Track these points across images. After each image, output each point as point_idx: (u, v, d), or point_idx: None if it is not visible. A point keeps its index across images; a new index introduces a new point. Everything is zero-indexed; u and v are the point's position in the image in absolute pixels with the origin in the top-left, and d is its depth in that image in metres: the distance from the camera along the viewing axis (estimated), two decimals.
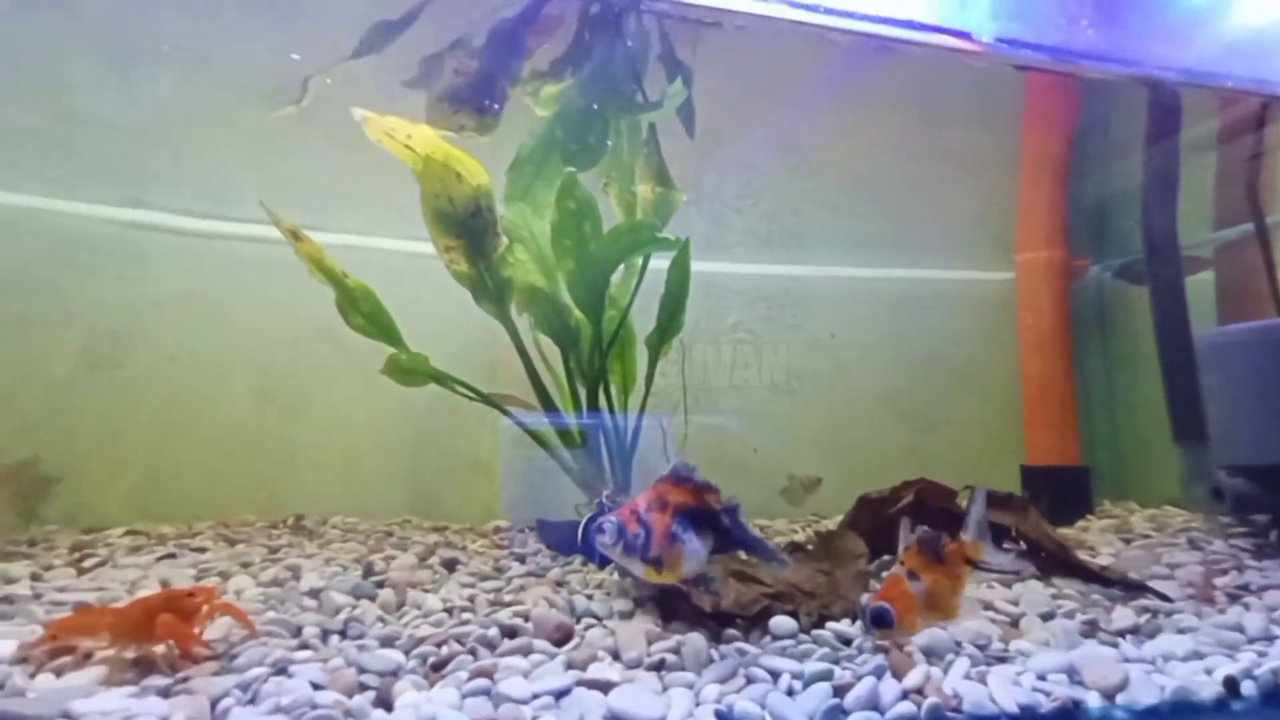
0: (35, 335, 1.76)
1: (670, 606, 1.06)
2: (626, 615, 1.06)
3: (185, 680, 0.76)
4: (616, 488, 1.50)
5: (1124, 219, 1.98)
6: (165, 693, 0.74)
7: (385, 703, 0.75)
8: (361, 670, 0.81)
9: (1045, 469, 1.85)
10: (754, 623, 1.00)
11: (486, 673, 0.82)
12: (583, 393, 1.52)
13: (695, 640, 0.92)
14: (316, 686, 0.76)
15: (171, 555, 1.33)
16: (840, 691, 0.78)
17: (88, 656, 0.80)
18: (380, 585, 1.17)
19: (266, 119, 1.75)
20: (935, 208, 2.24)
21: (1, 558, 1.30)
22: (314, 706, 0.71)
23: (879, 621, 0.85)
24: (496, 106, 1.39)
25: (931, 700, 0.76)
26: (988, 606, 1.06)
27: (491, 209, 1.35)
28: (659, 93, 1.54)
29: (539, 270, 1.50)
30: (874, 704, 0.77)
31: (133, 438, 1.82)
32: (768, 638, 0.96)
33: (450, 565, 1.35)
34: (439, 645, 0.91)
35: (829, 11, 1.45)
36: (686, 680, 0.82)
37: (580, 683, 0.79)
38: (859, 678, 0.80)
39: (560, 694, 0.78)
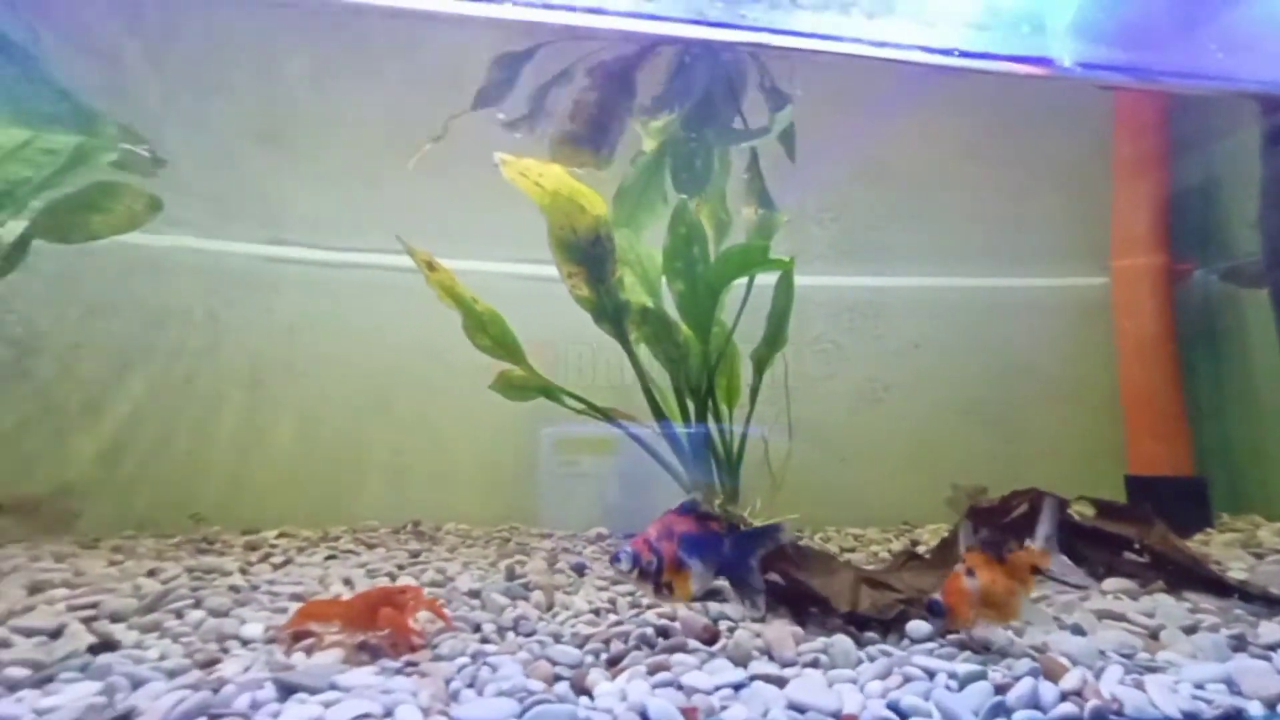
0: (197, 361, 1.98)
1: (802, 611, 1.13)
2: (759, 619, 1.13)
3: (413, 664, 0.87)
4: (726, 497, 1.58)
5: (1230, 220, 1.94)
6: (397, 674, 0.85)
7: (585, 691, 0.85)
8: (553, 663, 0.91)
9: (1153, 479, 1.82)
10: (890, 627, 1.06)
11: (663, 667, 0.90)
12: (691, 406, 1.61)
13: (842, 641, 0.98)
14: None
15: (333, 556, 1.48)
16: (1000, 690, 0.83)
17: (321, 640, 0.93)
18: (526, 587, 1.28)
19: (382, 161, 1.94)
20: (1020, 215, 2.24)
21: (195, 553, 1.49)
22: (530, 692, 0.81)
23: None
24: (612, 143, 1.50)
25: (1095, 702, 0.80)
26: (1120, 618, 1.08)
27: (610, 237, 1.46)
28: (756, 119, 1.63)
29: (644, 291, 1.60)
30: (1035, 703, 0.81)
31: (273, 448, 2.02)
32: (905, 640, 1.02)
33: (579, 570, 1.45)
34: (605, 642, 1.00)
35: (903, 47, 1.50)
36: (848, 676, 0.89)
37: (754, 677, 0.87)
38: (1016, 678, 0.85)
39: (738, 686, 0.85)
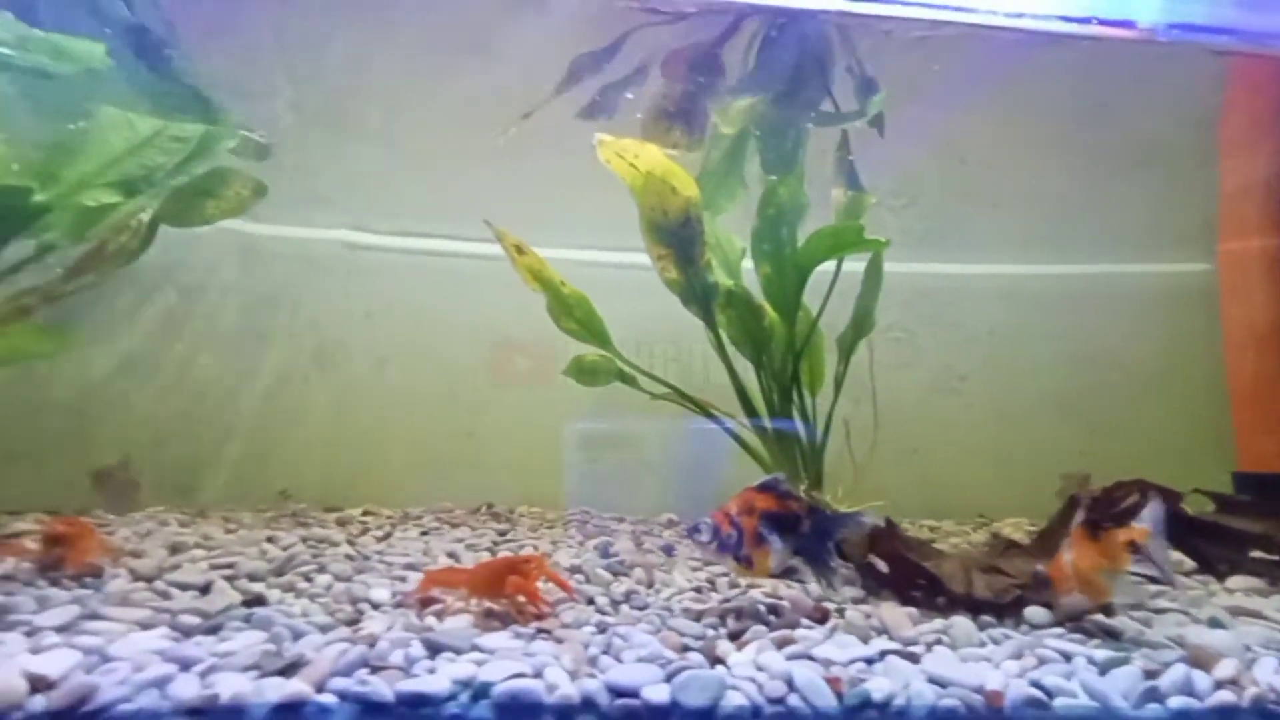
0: (279, 344, 2.06)
1: (904, 593, 1.13)
2: (860, 600, 1.13)
3: (544, 631, 0.90)
4: (809, 483, 1.57)
5: None
6: (530, 639, 0.87)
7: (718, 660, 0.85)
8: (679, 634, 0.92)
9: (1267, 477, 1.72)
10: (1005, 611, 1.04)
11: (789, 640, 0.90)
12: (774, 392, 1.60)
13: (963, 623, 0.97)
14: None
15: (427, 533, 1.53)
16: (1149, 676, 0.81)
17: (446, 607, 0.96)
18: (622, 565, 1.30)
19: (457, 151, 1.97)
20: (1108, 197, 2.16)
21: (296, 525, 1.55)
22: (668, 659, 0.83)
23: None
24: (703, 124, 1.50)
25: (1255, 690, 0.78)
26: (1256, 615, 1.05)
27: (700, 219, 1.45)
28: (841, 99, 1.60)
29: (725, 274, 1.59)
30: (1189, 690, 0.79)
31: (350, 430, 2.09)
32: (1024, 625, 1.00)
33: (668, 550, 1.46)
34: (721, 617, 1.01)
35: (980, 12, 1.45)
36: (979, 655, 0.88)
37: (885, 652, 0.87)
38: (1165, 665, 0.83)
39: (870, 660, 0.85)
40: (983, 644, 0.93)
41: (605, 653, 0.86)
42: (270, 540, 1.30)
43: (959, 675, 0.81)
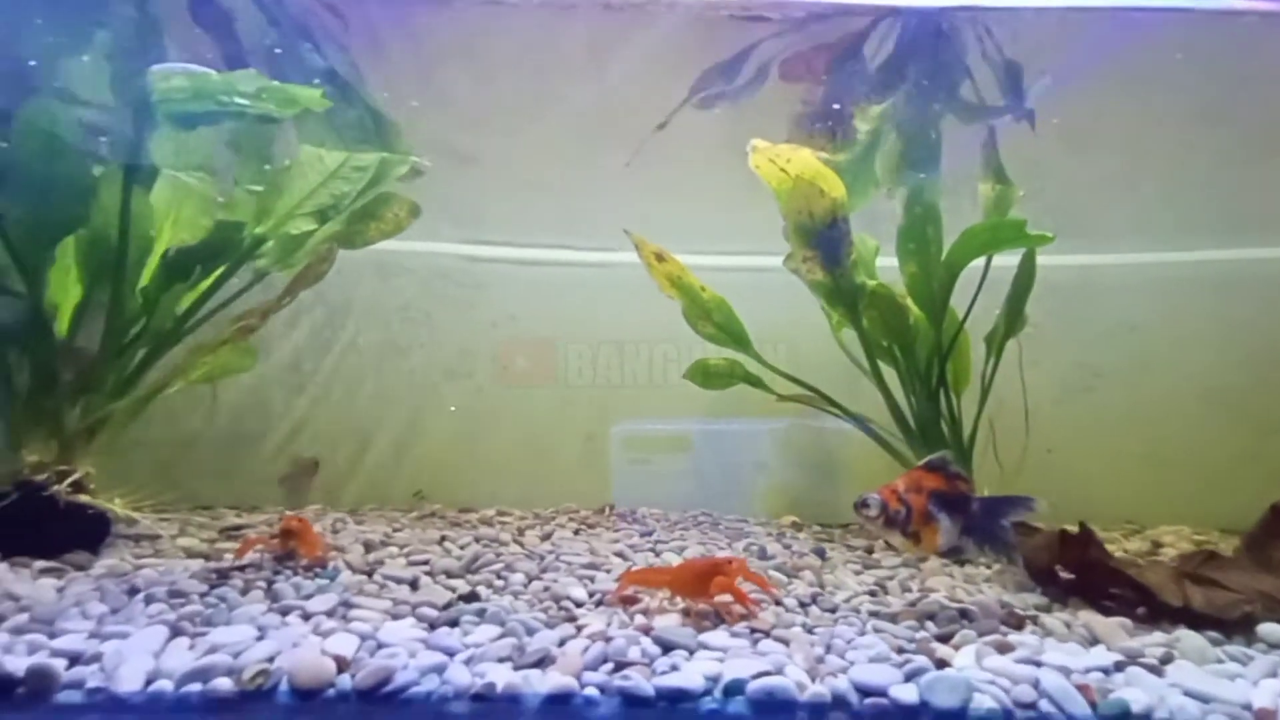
0: (413, 354, 2.19)
1: (1095, 601, 1.08)
2: (1044, 607, 1.09)
3: (757, 631, 0.91)
4: None
5: None
6: (753, 639, 0.89)
7: (943, 662, 0.85)
8: (891, 635, 0.92)
9: None
10: (1233, 628, 0.98)
11: (1006, 645, 0.88)
12: (916, 392, 1.57)
13: (1192, 638, 0.93)
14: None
15: (579, 532, 1.59)
16: None
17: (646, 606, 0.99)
18: (782, 569, 1.30)
19: (572, 167, 2.03)
20: (1265, 180, 1.99)
21: (450, 525, 1.64)
22: (900, 661, 0.82)
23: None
24: (847, 125, 1.49)
25: None
26: None
27: (846, 220, 1.45)
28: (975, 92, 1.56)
29: (863, 273, 1.57)
30: None
31: (479, 434, 2.18)
32: (1260, 644, 0.94)
33: (820, 553, 1.46)
34: (919, 619, 1.00)
35: None
36: (1227, 672, 0.83)
37: (1124, 662, 0.83)
38: None
39: (1106, 670, 0.82)
40: (1220, 660, 0.88)
41: (829, 652, 0.87)
42: (446, 539, 1.38)
43: (1220, 691, 0.77)
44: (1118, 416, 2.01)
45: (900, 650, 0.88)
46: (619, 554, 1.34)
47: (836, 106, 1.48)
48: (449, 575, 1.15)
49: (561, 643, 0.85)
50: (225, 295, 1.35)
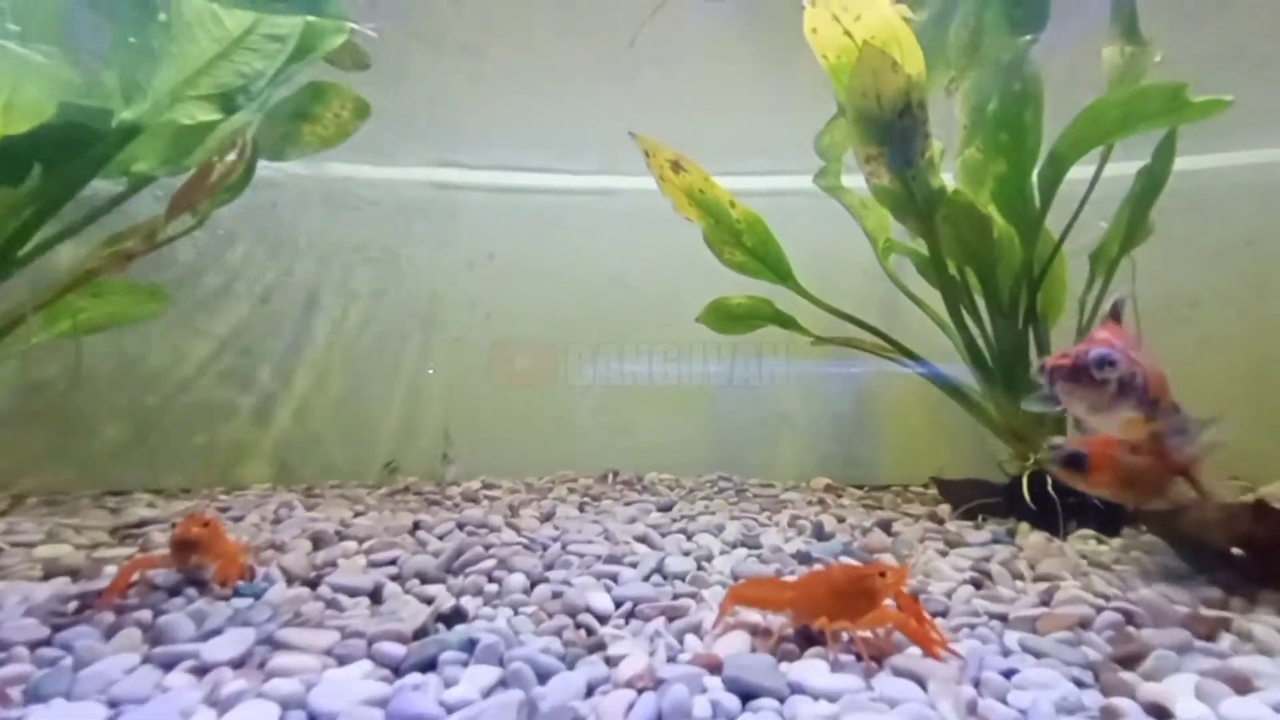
0: (380, 304, 1.83)
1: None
2: (1217, 602, 0.82)
3: (873, 660, 0.63)
4: (1051, 430, 1.25)
5: None
6: (864, 673, 0.61)
7: (1159, 711, 0.57)
8: (1057, 658, 0.65)
9: None
10: None
11: (1239, 681, 0.61)
12: (997, 324, 1.27)
13: None
14: None
15: (583, 508, 1.30)
16: None
17: (766, 633, 0.68)
18: (849, 549, 1.03)
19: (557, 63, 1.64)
20: None
21: (428, 504, 1.34)
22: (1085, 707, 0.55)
23: None
24: None
25: None
26: None
27: (923, 105, 1.11)
28: None
29: (938, 177, 1.23)
30: None
31: (457, 394, 1.86)
32: None
33: (886, 526, 1.19)
34: (1073, 629, 0.73)
35: None
36: None
37: None
38: None
39: None
40: None
41: (981, 690, 0.59)
42: (419, 527, 1.07)
43: None
44: (1217, 354, 1.66)
45: (1079, 683, 0.61)
46: (642, 538, 1.05)
47: None
48: (423, 580, 0.85)
49: (590, 691, 0.56)
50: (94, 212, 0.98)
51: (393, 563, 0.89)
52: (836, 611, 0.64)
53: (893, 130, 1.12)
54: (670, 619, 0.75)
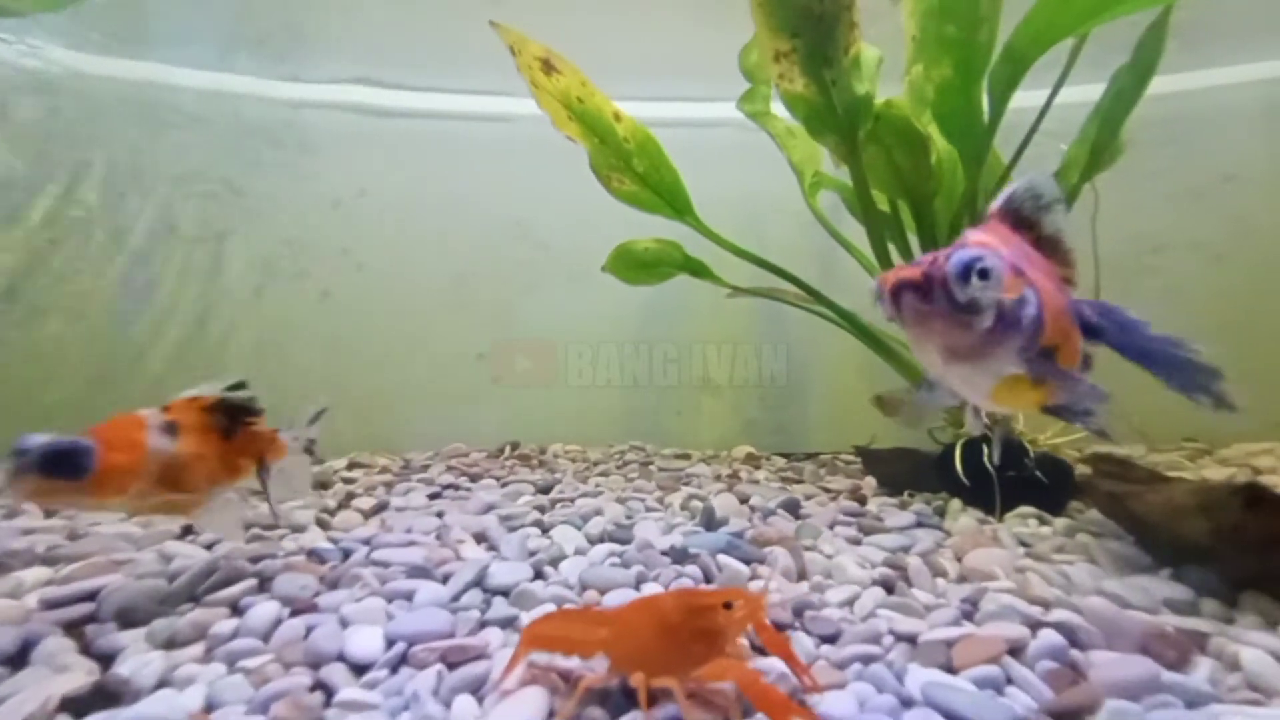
0: (216, 248, 1.51)
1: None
2: (1188, 607, 0.65)
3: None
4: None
5: None
6: None
7: None
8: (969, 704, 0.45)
9: None
10: None
11: None
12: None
13: None
14: None
15: (438, 495, 1.05)
16: None
17: None
18: (741, 538, 0.83)
19: None
20: None
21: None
22: None
23: None
24: None
25: None
26: None
27: None
28: None
29: (866, 82, 0.99)
30: None
31: (323, 360, 1.57)
32: None
33: (794, 508, 0.99)
34: (997, 660, 0.54)
35: None
36: None
37: None
38: None
39: None
40: None
41: None
42: (191, 532, 0.82)
43: None
44: (1187, 303, 1.42)
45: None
46: (481, 535, 0.82)
47: None
48: (126, 620, 0.61)
49: None
50: None
51: (91, 596, 0.63)
52: (662, 659, 0.43)
53: (807, 18, 0.87)
54: (452, 665, 0.53)
